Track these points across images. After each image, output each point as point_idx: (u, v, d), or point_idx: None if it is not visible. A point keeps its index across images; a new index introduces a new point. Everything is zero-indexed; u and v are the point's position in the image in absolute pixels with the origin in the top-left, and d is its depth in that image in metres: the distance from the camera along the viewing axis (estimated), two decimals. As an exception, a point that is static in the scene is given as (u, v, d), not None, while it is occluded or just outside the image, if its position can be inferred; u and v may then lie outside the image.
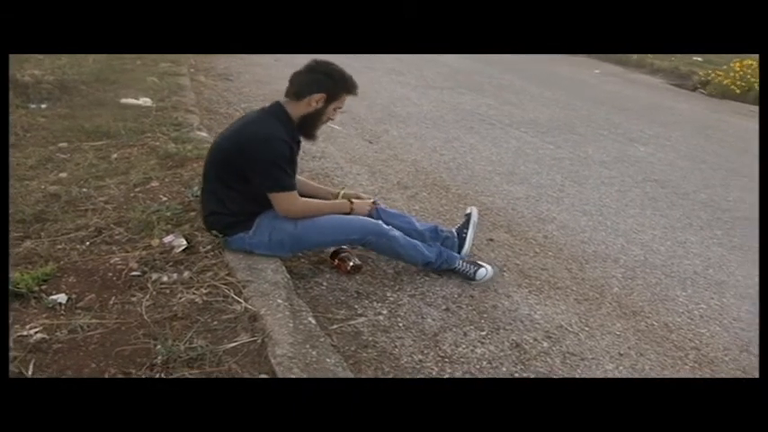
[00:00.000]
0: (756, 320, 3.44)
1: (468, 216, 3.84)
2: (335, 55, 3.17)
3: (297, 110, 3.20)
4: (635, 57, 12.35)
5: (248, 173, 3.11)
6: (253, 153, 3.08)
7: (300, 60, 3.16)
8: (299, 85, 3.19)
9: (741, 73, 10.16)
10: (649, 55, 12.34)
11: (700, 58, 12.45)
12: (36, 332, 2.52)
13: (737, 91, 9.84)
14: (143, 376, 2.32)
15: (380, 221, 3.37)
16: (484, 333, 3.06)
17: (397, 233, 3.37)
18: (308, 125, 3.27)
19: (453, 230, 3.74)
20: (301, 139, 3.32)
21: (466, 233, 3.72)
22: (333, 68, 3.22)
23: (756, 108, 9.39)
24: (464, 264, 3.52)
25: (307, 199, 3.28)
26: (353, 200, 3.43)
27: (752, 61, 10.31)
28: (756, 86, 9.82)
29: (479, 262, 3.59)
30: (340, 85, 3.22)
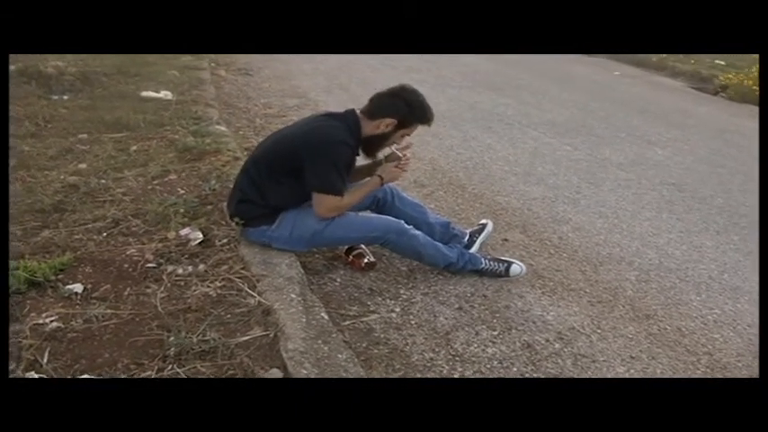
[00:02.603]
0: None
1: (484, 225, 3.89)
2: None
3: (366, 127, 3.25)
4: (654, 59, 12.27)
5: (304, 169, 3.12)
6: (317, 152, 3.12)
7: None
8: (377, 107, 3.25)
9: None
10: (670, 58, 12.27)
11: (722, 62, 12.36)
12: (52, 321, 2.55)
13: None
14: (155, 367, 2.35)
15: (402, 221, 3.38)
16: (496, 333, 3.07)
17: (417, 232, 3.38)
18: (372, 145, 3.36)
19: (467, 232, 3.76)
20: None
21: (477, 238, 3.75)
22: (414, 98, 3.27)
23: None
24: (490, 263, 3.53)
25: (349, 196, 3.25)
26: (381, 174, 3.39)
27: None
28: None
29: (504, 258, 3.61)
30: (415, 115, 3.27)
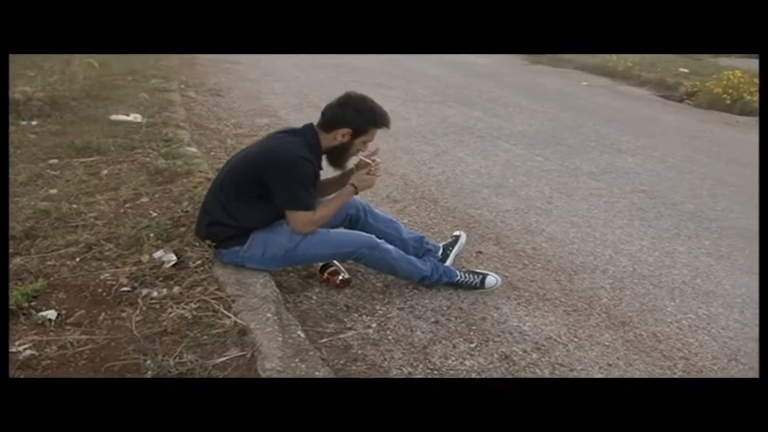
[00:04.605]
0: (744, 330, 3.46)
1: (457, 237, 3.89)
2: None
3: (324, 140, 3.28)
4: (621, 68, 12.40)
5: (270, 189, 3.15)
6: (278, 171, 3.13)
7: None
8: (329, 119, 3.28)
9: (733, 82, 10.19)
10: (636, 67, 12.42)
11: (686, 70, 12.52)
12: (25, 349, 2.52)
13: (728, 101, 9.87)
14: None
15: (373, 235, 3.39)
16: (473, 345, 3.07)
17: (389, 246, 3.39)
18: (335, 157, 3.37)
19: (440, 245, 3.77)
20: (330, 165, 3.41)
21: (451, 251, 3.76)
22: (362, 104, 3.29)
23: (742, 118, 9.49)
24: (466, 275, 3.55)
25: (322, 209, 3.28)
26: (354, 182, 3.38)
27: (740, 72, 10.41)
28: (745, 96, 9.90)
29: (479, 270, 3.63)
30: (367, 121, 3.28)
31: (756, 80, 10.17)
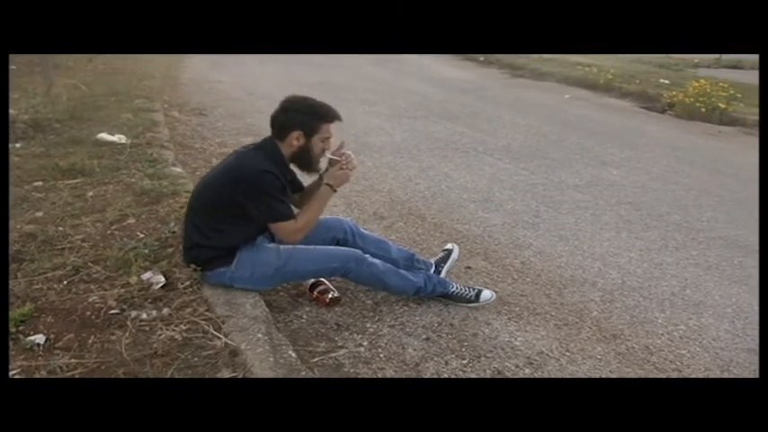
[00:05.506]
0: (735, 340, 3.47)
1: (449, 251, 3.89)
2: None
3: (284, 148, 3.26)
4: (602, 81, 12.46)
5: (246, 207, 3.12)
6: (245, 188, 3.10)
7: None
8: (277, 128, 3.27)
9: (699, 90, 10.30)
10: (617, 79, 12.51)
11: (666, 81, 12.60)
12: (13, 374, 2.49)
13: (703, 109, 9.96)
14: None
15: (359, 250, 3.38)
16: (465, 361, 3.06)
17: (376, 260, 3.38)
18: (302, 161, 3.33)
19: (432, 261, 3.76)
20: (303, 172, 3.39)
21: (443, 266, 3.76)
22: (303, 104, 3.28)
23: (724, 128, 9.57)
24: (461, 287, 3.54)
25: (303, 215, 3.25)
26: (328, 181, 3.33)
27: (704, 81, 10.55)
28: (720, 105, 10.01)
29: (473, 285, 3.63)
30: (313, 118, 3.25)
31: (722, 84, 10.49)
